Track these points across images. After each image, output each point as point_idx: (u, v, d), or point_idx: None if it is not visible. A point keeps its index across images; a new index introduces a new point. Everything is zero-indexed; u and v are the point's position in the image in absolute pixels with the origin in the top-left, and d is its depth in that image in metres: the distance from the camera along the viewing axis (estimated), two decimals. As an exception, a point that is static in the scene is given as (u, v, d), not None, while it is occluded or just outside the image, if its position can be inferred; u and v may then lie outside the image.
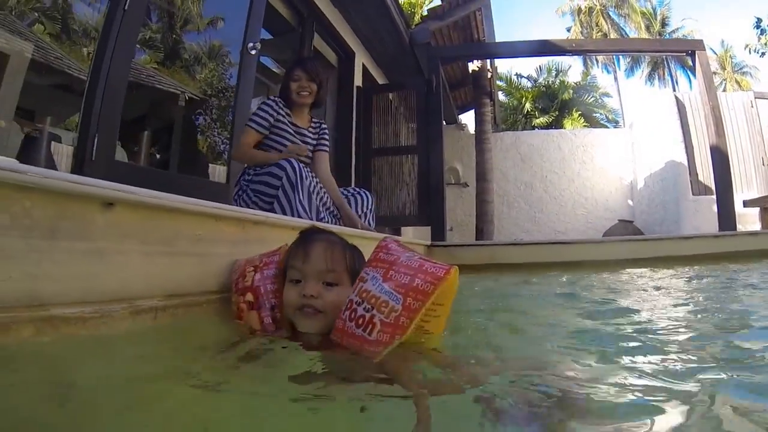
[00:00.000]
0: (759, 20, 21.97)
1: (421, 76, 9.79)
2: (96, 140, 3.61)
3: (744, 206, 10.15)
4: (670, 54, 12.45)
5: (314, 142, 4.10)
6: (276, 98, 3.94)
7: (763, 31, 22.52)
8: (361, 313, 1.40)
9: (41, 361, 1.19)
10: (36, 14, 9.34)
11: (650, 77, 38.66)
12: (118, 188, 1.45)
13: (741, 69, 37.83)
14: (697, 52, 9.53)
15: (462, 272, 1.41)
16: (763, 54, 24.00)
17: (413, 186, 9.19)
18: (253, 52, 5.63)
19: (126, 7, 3.99)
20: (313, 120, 4.13)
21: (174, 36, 11.80)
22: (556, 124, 28.89)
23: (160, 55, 11.22)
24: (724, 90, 34.26)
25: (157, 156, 8.17)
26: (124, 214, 1.47)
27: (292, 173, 3.35)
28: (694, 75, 9.85)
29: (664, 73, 38.65)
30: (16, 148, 5.60)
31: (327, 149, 4.27)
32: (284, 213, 3.28)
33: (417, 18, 12.54)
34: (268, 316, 1.69)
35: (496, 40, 12.11)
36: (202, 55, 11.51)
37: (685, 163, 12.36)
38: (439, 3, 10.87)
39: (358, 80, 9.63)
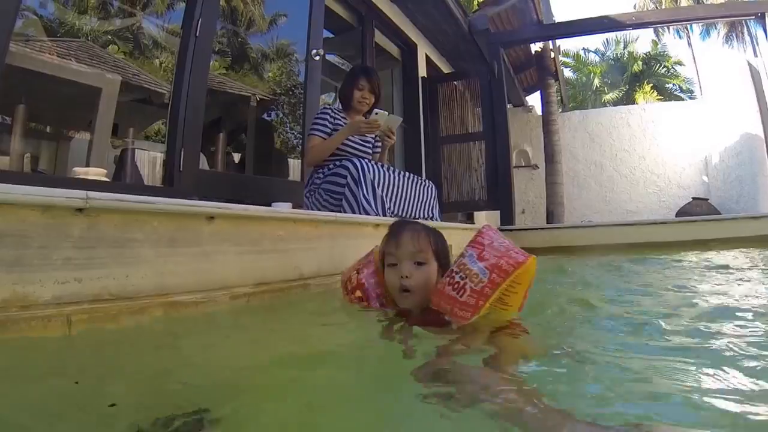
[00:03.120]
0: None
1: (483, 62, 9.88)
2: (182, 153, 4.13)
3: None
4: (737, 18, 11.89)
5: (372, 137, 4.44)
6: (329, 106, 4.35)
7: None
8: (457, 279, 1.70)
9: (168, 330, 1.66)
10: (109, 36, 9.98)
11: (728, 38, 36.82)
12: (217, 206, 1.91)
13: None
14: (766, 14, 9.20)
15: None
16: None
17: (482, 172, 9.43)
18: (317, 58, 6.02)
19: (197, 34, 4.49)
20: (376, 111, 4.43)
21: (240, 39, 12.24)
22: (627, 98, 28.12)
23: (228, 60, 11.79)
24: None
25: (234, 158, 8.55)
26: (222, 224, 1.93)
27: (354, 171, 3.75)
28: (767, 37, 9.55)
29: (742, 33, 36.87)
30: (109, 161, 6.25)
31: None
32: (351, 208, 3.69)
33: (476, 2, 12.67)
34: (376, 303, 2.03)
35: (556, 18, 12.11)
36: (270, 53, 11.93)
37: (762, 134, 11.90)
38: (496, -13, 10.95)
39: (422, 71, 9.92)
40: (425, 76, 9.94)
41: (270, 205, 4.34)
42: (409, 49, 9.73)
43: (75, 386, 1.11)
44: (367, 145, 4.37)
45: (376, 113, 4.03)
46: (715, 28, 35.88)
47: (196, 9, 4.53)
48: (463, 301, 1.67)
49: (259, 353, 1.49)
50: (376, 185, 3.78)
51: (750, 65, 12.48)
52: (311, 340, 1.70)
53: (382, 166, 4.08)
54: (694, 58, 35.58)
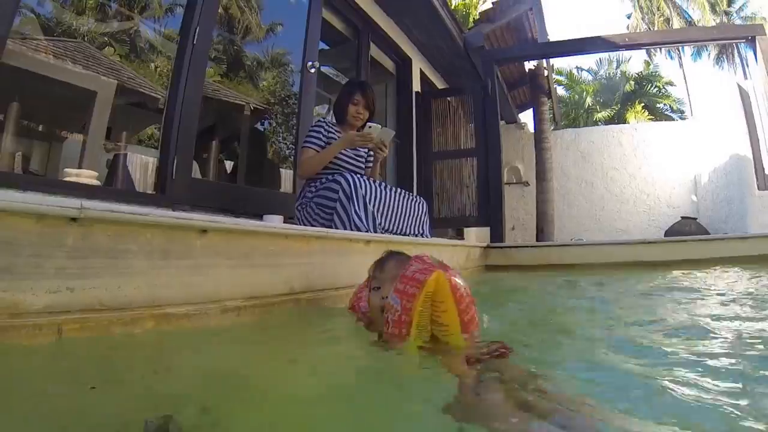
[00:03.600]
0: None
1: (477, 79, 10.01)
2: (175, 161, 4.14)
3: None
4: (729, 41, 12.05)
5: (365, 151, 4.46)
6: (323, 120, 4.37)
7: None
8: (387, 318, 1.72)
9: (158, 343, 1.66)
10: (105, 38, 9.99)
11: (718, 60, 37.35)
12: (210, 219, 1.92)
13: None
14: (757, 37, 9.33)
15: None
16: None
17: (473, 188, 9.47)
18: (312, 70, 6.08)
19: (195, 42, 4.52)
20: (369, 125, 4.44)
21: (235, 47, 12.27)
22: (619, 117, 28.52)
23: (224, 67, 11.82)
24: None
25: (227, 166, 8.56)
26: (215, 237, 1.94)
27: (347, 186, 3.77)
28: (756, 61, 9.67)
29: (733, 55, 37.34)
30: (102, 165, 6.25)
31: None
32: (342, 223, 3.70)
33: (472, 18, 12.77)
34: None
35: (550, 36, 12.19)
36: (265, 62, 11.98)
37: (750, 156, 12.00)
38: (491, 5, 11.07)
39: (416, 86, 9.97)
40: (419, 90, 9.99)
41: (261, 217, 4.37)
42: (403, 64, 9.78)
43: (54, 392, 1.14)
44: (360, 158, 4.38)
45: (370, 126, 4.05)
46: (706, 49, 36.35)
47: (194, 18, 4.56)
48: (390, 333, 1.72)
49: (241, 365, 1.50)
50: (367, 201, 3.79)
51: (740, 87, 12.63)
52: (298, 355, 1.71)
53: (374, 181, 4.10)
54: (685, 79, 36.02)
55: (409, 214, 4.32)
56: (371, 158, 4.49)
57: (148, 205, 3.75)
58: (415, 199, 4.46)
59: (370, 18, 8.14)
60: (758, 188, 11.73)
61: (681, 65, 37.71)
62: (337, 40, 8.37)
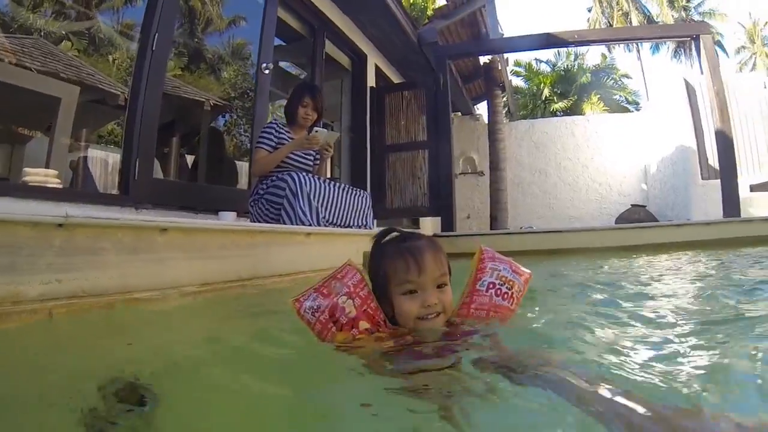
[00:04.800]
0: None
1: (431, 73, 10.41)
2: (137, 163, 4.55)
3: (750, 191, 10.71)
4: (675, 39, 12.66)
5: (313, 151, 4.89)
6: (275, 122, 4.81)
7: None
8: (505, 291, 1.91)
9: (127, 322, 2.11)
10: (63, 32, 9.96)
11: (676, 53, 38.43)
12: (169, 220, 2.37)
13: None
14: (701, 36, 9.69)
15: (466, 258, 2.05)
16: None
17: (425, 179, 9.95)
18: (267, 71, 6.47)
19: (154, 48, 4.91)
20: (316, 129, 4.84)
21: (196, 39, 12.34)
22: (575, 108, 29.16)
23: (184, 60, 11.87)
24: (754, 65, 33.78)
25: (187, 160, 8.78)
26: (173, 235, 2.39)
27: (293, 184, 4.24)
28: (718, 49, 10.20)
29: (690, 49, 38.33)
30: (65, 166, 6.51)
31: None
32: (289, 217, 4.17)
33: (429, 12, 13.17)
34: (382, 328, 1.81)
35: (507, 30, 12.76)
36: (225, 56, 12.09)
37: (695, 147, 12.61)
38: (445, 2, 11.47)
39: (371, 81, 10.45)
40: (374, 86, 10.44)
41: (218, 213, 4.81)
42: (359, 60, 10.21)
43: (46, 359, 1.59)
44: (308, 157, 4.83)
45: (316, 131, 4.51)
46: (665, 43, 37.31)
47: (153, 24, 4.95)
48: (513, 308, 1.93)
49: (194, 340, 1.95)
50: (312, 197, 4.26)
51: (686, 82, 13.25)
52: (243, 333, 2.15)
53: (319, 178, 4.57)
54: (642, 72, 36.98)
55: (352, 208, 4.78)
56: (319, 157, 4.94)
57: (114, 206, 4.20)
58: (358, 193, 4.92)
59: (326, 16, 8.51)
60: (701, 178, 12.41)
61: (639, 58, 38.79)
62: (293, 38, 8.73)
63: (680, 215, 13.11)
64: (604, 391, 1.10)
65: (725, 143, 9.18)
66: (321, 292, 1.78)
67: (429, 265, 1.74)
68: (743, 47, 37.24)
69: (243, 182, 7.45)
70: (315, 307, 1.74)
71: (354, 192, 4.88)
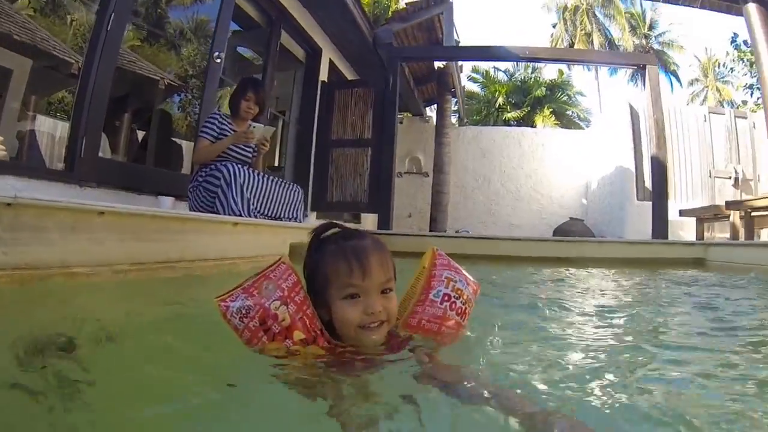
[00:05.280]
0: (736, 35, 23.04)
1: (383, 73, 10.79)
2: (84, 141, 4.82)
3: (680, 215, 11.21)
4: (622, 67, 13.36)
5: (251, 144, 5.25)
6: (218, 113, 5.17)
7: (737, 47, 23.71)
8: (459, 306, 1.85)
9: (65, 292, 2.45)
10: None
11: (633, 77, 39.67)
12: (107, 204, 2.70)
13: (723, 78, 38.63)
14: (647, 66, 10.50)
15: (395, 256, 1.79)
16: (732, 69, 25.17)
17: (366, 177, 10.35)
18: (218, 60, 6.76)
19: (109, 28, 5.15)
20: (252, 124, 5.13)
21: (159, 10, 12.00)
22: (527, 119, 30.11)
23: (144, 32, 11.58)
24: (705, 97, 35.13)
25: (138, 136, 8.82)
26: (110, 218, 2.71)
27: (227, 175, 4.60)
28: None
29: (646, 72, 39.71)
30: (12, 135, 6.61)
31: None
32: (222, 206, 4.53)
33: (391, 12, 13.45)
34: (323, 341, 1.65)
35: (466, 38, 13.17)
36: (187, 31, 11.90)
37: (633, 169, 13.40)
38: (404, 5, 11.84)
39: (324, 75, 10.77)
40: (325, 80, 10.76)
41: (157, 196, 5.12)
42: (314, 53, 10.53)
43: None
44: (247, 150, 5.17)
45: (253, 127, 4.88)
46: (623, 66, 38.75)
47: (110, 5, 5.18)
48: (464, 324, 1.88)
49: (118, 309, 2.30)
50: (244, 188, 4.62)
51: (631, 107, 13.98)
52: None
53: (254, 171, 4.92)
54: (599, 91, 38.15)
55: (283, 201, 5.15)
56: (255, 156, 5.30)
57: (59, 182, 4.47)
58: (290, 187, 5.30)
59: (285, 8, 8.80)
60: (637, 198, 13.10)
61: (597, 78, 40.03)
62: (251, 26, 9.02)
63: (615, 232, 13.82)
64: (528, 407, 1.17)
65: (659, 169, 9.85)
66: (250, 293, 1.61)
67: (374, 269, 1.62)
68: (696, 80, 38.67)
69: (186, 167, 7.62)
70: (243, 312, 1.57)
71: (286, 185, 5.24)
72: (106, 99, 5.17)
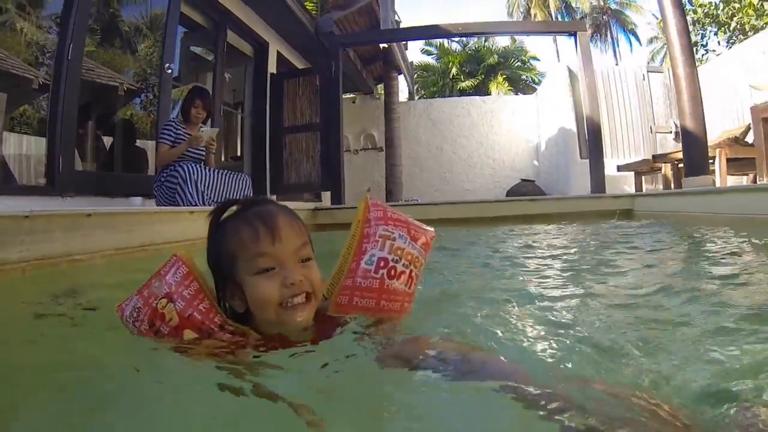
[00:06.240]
0: None
1: (327, 60, 11.70)
2: (61, 159, 5.92)
3: (617, 170, 12.26)
4: (555, 35, 14.28)
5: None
6: (173, 120, 6.26)
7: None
8: (401, 269, 1.61)
9: (72, 271, 3.55)
10: None
11: (592, 38, 40.78)
12: (92, 208, 3.83)
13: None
14: (578, 32, 11.41)
15: (344, 229, 1.77)
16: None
17: (317, 158, 11.44)
18: (169, 71, 7.80)
19: (69, 58, 6.19)
20: (201, 128, 6.30)
21: (111, 10, 11.96)
22: (482, 87, 31.33)
23: (97, 38, 11.78)
24: (665, 55, 36.12)
25: (104, 145, 9.41)
26: (96, 217, 3.82)
27: (183, 173, 5.72)
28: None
29: (606, 35, 41.00)
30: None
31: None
32: (181, 199, 5.66)
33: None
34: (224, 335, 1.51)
35: (404, 20, 14.13)
36: (143, 27, 11.99)
37: (575, 130, 14.47)
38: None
39: (272, 67, 11.80)
40: (274, 72, 11.78)
41: (128, 197, 6.23)
42: (261, 48, 11.54)
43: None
44: (201, 150, 6.27)
45: (202, 131, 5.99)
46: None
47: (67, 39, 6.23)
48: (411, 292, 1.67)
49: (105, 278, 3.41)
50: (198, 183, 5.75)
51: (569, 70, 14.98)
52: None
53: (206, 167, 6.09)
54: (557, 55, 39.28)
55: (233, 189, 6.27)
56: (206, 156, 6.41)
57: (44, 195, 5.58)
58: (239, 176, 6.44)
59: (228, 9, 9.73)
60: (580, 157, 14.10)
61: (555, 41, 41.10)
62: (197, 29, 9.94)
63: (563, 190, 14.98)
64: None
65: (593, 128, 10.85)
66: (142, 294, 1.53)
67: (284, 232, 1.46)
68: (656, 37, 39.66)
69: (151, 168, 8.32)
70: (135, 315, 1.51)
71: (235, 176, 6.38)
72: (75, 116, 6.24)
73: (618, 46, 41.85)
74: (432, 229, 1.79)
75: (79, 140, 7.86)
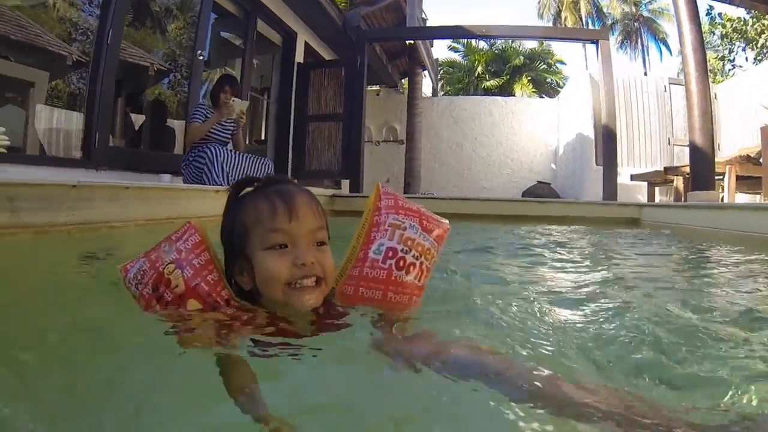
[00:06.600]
0: (710, 8, 23.91)
1: (353, 53, 12.17)
2: (97, 135, 6.40)
3: (631, 180, 12.40)
4: (576, 42, 14.42)
5: (230, 125, 6.77)
6: (203, 104, 6.79)
7: (712, 19, 24.49)
8: (410, 261, 1.58)
9: (108, 236, 4.01)
10: None
11: (622, 45, 40.77)
12: (129, 182, 4.29)
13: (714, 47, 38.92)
14: (600, 41, 11.70)
15: (358, 216, 1.72)
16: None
17: (339, 147, 11.87)
18: (201, 57, 8.26)
19: (109, 42, 6.66)
20: (233, 99, 6.64)
21: None
22: (506, 87, 31.66)
23: (129, 17, 12.01)
24: None
25: (132, 123, 9.83)
26: (133, 191, 4.28)
27: (210, 155, 6.18)
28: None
29: (636, 42, 40.74)
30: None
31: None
32: (208, 179, 6.11)
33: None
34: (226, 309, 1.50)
35: (430, 18, 14.46)
36: (173, 8, 12.07)
37: (592, 136, 14.54)
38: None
39: (299, 57, 12.23)
40: (301, 62, 12.20)
41: (158, 174, 6.70)
42: (289, 38, 11.97)
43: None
44: (227, 133, 6.74)
45: (233, 101, 6.43)
46: (613, 33, 39.26)
47: (107, 23, 6.67)
48: (421, 285, 1.64)
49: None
50: (224, 165, 6.20)
51: (591, 77, 15.11)
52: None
53: (232, 150, 6.57)
54: (586, 59, 39.18)
55: (256, 172, 6.68)
56: (235, 131, 6.86)
57: (80, 168, 6.05)
58: (261, 160, 6.89)
59: (259, 0, 10.15)
60: (596, 164, 14.18)
61: (584, 46, 40.96)
62: (230, 17, 10.38)
63: (577, 194, 15.22)
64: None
65: (609, 137, 11.16)
66: (149, 257, 1.54)
67: (302, 211, 1.46)
68: None
69: (178, 148, 8.98)
70: (139, 277, 1.50)
71: (258, 159, 6.83)
72: (112, 95, 6.77)
73: (648, 54, 41.54)
74: (446, 221, 1.76)
75: (112, 117, 8.24)
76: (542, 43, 34.55)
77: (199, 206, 5.10)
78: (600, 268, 3.47)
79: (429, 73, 17.87)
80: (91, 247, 3.45)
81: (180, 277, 1.45)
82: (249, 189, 1.60)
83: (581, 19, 39.44)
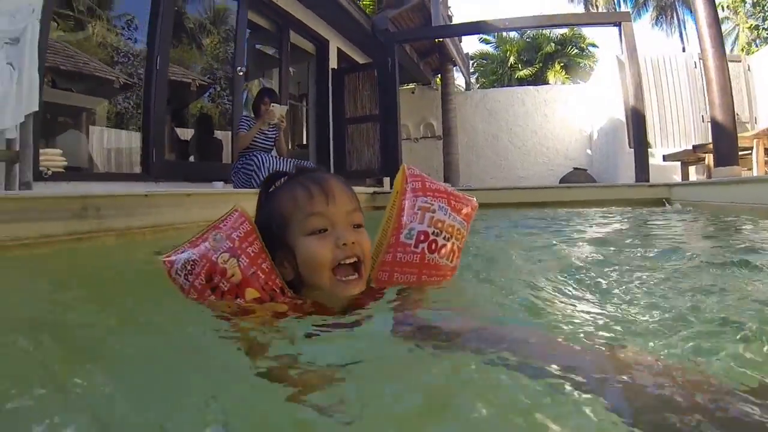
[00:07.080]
0: None
1: (384, 55, 12.56)
2: (154, 151, 7.16)
3: (663, 160, 12.56)
4: (599, 26, 14.50)
5: (272, 134, 7.36)
6: (247, 116, 7.47)
7: None
8: (442, 243, 1.62)
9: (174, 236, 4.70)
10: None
11: (658, 21, 39.97)
12: (190, 190, 4.98)
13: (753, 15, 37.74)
14: (622, 23, 11.88)
15: None
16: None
17: (377, 147, 12.46)
18: (241, 73, 8.94)
19: (158, 67, 7.41)
20: (272, 105, 7.21)
21: (176, 8, 12.14)
22: (540, 76, 31.94)
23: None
24: (737, 37, 34.54)
25: (178, 136, 10.83)
26: (194, 197, 4.95)
27: (257, 162, 6.84)
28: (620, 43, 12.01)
29: (672, 17, 39.93)
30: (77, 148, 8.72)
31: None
32: (257, 184, 6.70)
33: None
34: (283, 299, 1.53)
35: (456, 16, 14.87)
36: (206, 22, 12.09)
37: (624, 119, 14.43)
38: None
39: (333, 63, 12.89)
40: (335, 67, 12.86)
41: (211, 182, 7.41)
42: (322, 45, 12.59)
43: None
44: (270, 141, 7.38)
45: (273, 107, 7.07)
46: (646, 9, 38.40)
47: (155, 50, 7.38)
48: (453, 266, 1.66)
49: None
50: (270, 170, 6.76)
51: (618, 60, 15.10)
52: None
53: (275, 156, 7.23)
54: (621, 38, 38.59)
55: None
56: (277, 136, 7.43)
57: (141, 181, 6.78)
58: (306, 165, 7.45)
59: (289, 12, 10.74)
60: (629, 146, 14.21)
61: (617, 24, 40.37)
62: (264, 31, 11.06)
63: (612, 178, 15.33)
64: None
65: (638, 119, 11.32)
66: (196, 245, 1.55)
67: (338, 194, 1.51)
68: (727, 18, 38.08)
69: (227, 158, 9.59)
70: (189, 267, 1.49)
71: (301, 164, 7.41)
72: (164, 115, 7.49)
73: (685, 28, 40.36)
74: (474, 198, 1.80)
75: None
76: (572, 28, 34.56)
77: (249, 207, 5.72)
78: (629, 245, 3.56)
79: (460, 68, 18.28)
80: (162, 246, 4.03)
81: (236, 266, 1.46)
82: (278, 184, 1.71)
83: (614, 0, 39.01)
